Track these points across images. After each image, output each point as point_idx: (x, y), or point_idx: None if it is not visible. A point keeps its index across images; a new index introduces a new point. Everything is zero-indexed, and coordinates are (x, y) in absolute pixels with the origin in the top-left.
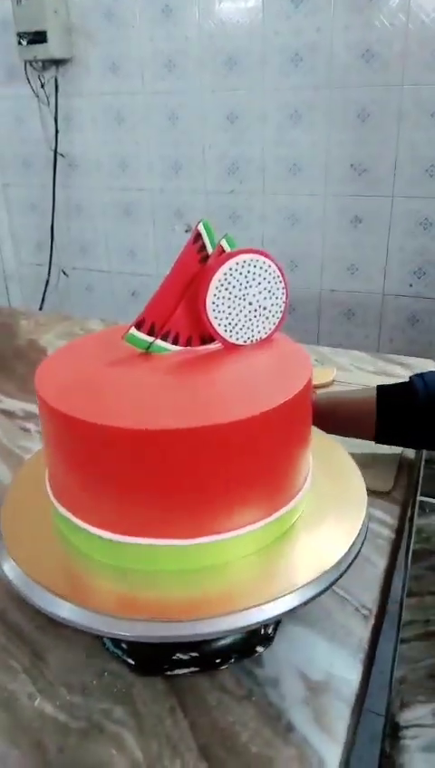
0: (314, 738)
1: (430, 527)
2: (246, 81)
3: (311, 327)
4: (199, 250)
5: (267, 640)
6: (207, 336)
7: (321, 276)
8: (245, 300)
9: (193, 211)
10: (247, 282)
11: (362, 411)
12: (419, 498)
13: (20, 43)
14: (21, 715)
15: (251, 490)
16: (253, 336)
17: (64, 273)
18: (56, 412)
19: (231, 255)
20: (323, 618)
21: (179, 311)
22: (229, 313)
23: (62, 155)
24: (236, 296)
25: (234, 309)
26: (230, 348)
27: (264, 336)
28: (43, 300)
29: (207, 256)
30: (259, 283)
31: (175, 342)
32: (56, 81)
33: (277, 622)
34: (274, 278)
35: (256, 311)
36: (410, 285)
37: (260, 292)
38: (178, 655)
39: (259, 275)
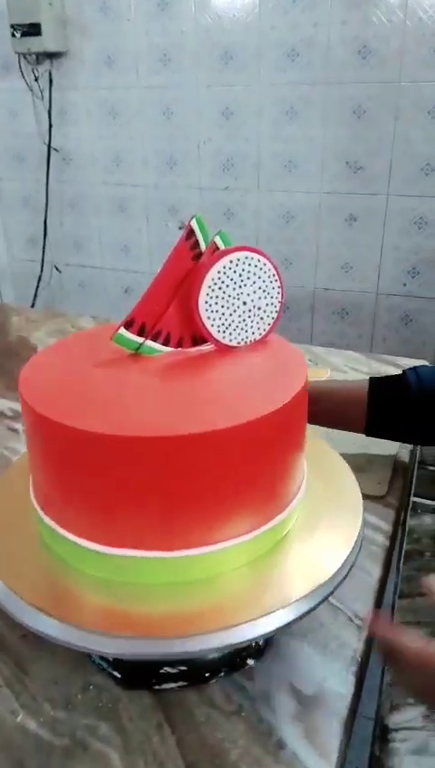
0: (305, 756)
1: (420, 528)
2: (241, 77)
3: (304, 326)
4: (192, 247)
5: (258, 653)
6: (200, 337)
7: (315, 275)
8: (239, 299)
9: (187, 207)
10: (242, 280)
11: (354, 402)
12: (411, 499)
13: (14, 35)
14: (2, 733)
15: (244, 499)
16: (247, 337)
17: (57, 270)
18: (41, 417)
19: (225, 253)
20: (316, 628)
21: (171, 310)
22: (223, 313)
23: (55, 149)
24: (229, 295)
25: (227, 309)
26: (223, 349)
27: (258, 337)
28: (35, 296)
29: (200, 254)
30: (254, 282)
31: (166, 343)
32: (50, 74)
33: None
34: (269, 277)
35: (250, 311)
36: (404, 285)
37: (255, 292)
38: (165, 668)
39: (254, 274)
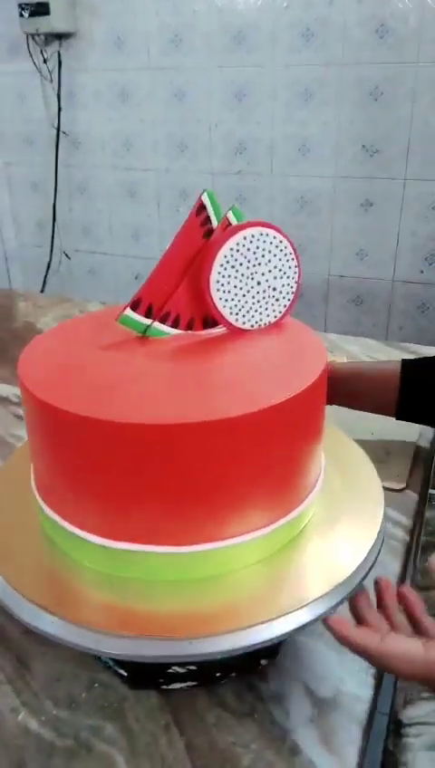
0: (321, 762)
1: None
2: (254, 58)
3: (318, 313)
4: (203, 223)
5: (271, 653)
6: (211, 319)
7: (329, 261)
8: (253, 279)
9: (199, 192)
10: (256, 259)
11: (384, 384)
12: (429, 491)
13: (21, 14)
14: (2, 731)
15: (258, 491)
16: (261, 320)
17: (66, 256)
18: (42, 403)
19: (238, 229)
20: None
21: (180, 290)
22: (235, 294)
23: (64, 133)
24: (243, 275)
25: (241, 289)
26: (236, 332)
27: (273, 320)
28: (44, 283)
29: (211, 230)
30: (269, 261)
31: (175, 325)
32: (59, 55)
33: None
34: (285, 255)
35: (264, 291)
36: (422, 272)
37: (270, 271)
38: (174, 668)
39: (270, 252)
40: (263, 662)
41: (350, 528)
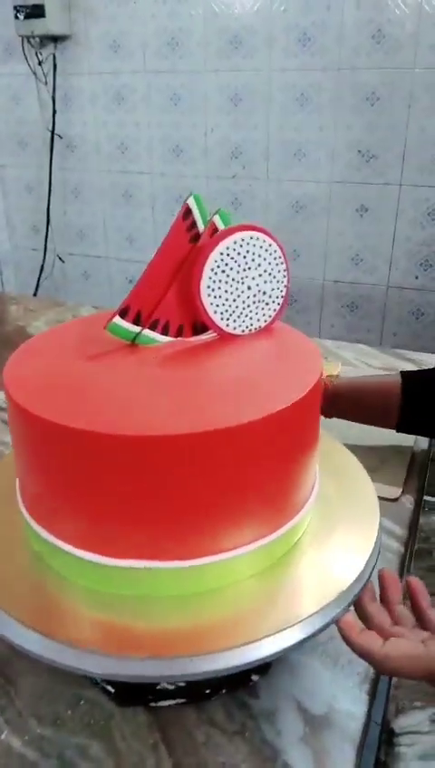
0: None
1: (428, 526)
2: (251, 62)
3: (312, 319)
4: (189, 228)
5: (263, 668)
6: (201, 325)
7: (324, 266)
8: (243, 283)
9: None
10: (246, 263)
11: (385, 397)
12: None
13: (17, 16)
14: None
15: (253, 504)
16: (251, 325)
17: (60, 259)
18: (28, 414)
19: (228, 233)
20: (325, 641)
21: (169, 296)
22: (226, 299)
23: (59, 136)
24: (233, 279)
25: (231, 294)
26: (226, 338)
27: (263, 325)
28: (37, 286)
29: (197, 235)
30: (259, 265)
31: (165, 332)
32: (54, 58)
33: None
34: (275, 259)
35: (254, 296)
36: (416, 278)
37: (260, 275)
38: (163, 684)
39: (259, 256)
40: (254, 678)
41: (345, 540)
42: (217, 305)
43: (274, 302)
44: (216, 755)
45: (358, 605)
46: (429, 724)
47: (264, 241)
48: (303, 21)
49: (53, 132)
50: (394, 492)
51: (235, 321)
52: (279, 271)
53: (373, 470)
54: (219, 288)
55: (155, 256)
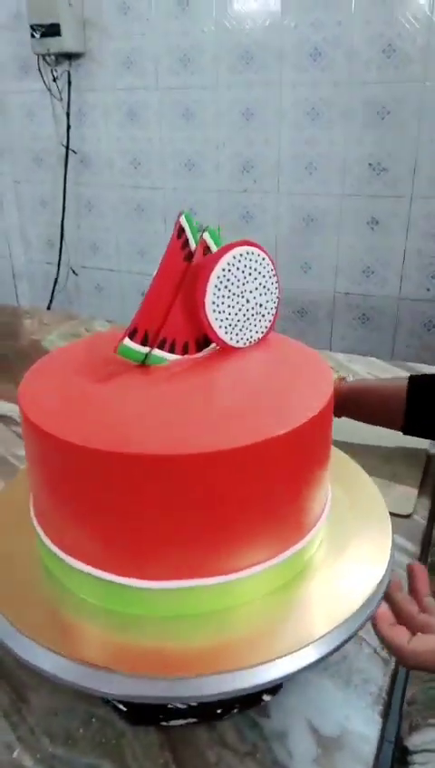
0: None
1: None
2: (262, 77)
3: (323, 331)
4: (183, 246)
5: (275, 687)
6: (203, 340)
7: (335, 279)
8: (242, 297)
9: (206, 210)
10: (244, 277)
11: (392, 398)
12: None
13: (33, 35)
14: None
15: (268, 522)
16: (251, 337)
17: (74, 272)
18: (44, 434)
19: (227, 249)
20: (338, 660)
21: (174, 315)
22: (229, 313)
23: (73, 151)
24: (234, 293)
25: (232, 308)
26: (229, 351)
27: (260, 336)
28: (51, 299)
29: (190, 253)
30: (255, 279)
31: (172, 350)
32: (69, 75)
33: None
34: (268, 272)
35: (253, 308)
36: (428, 290)
37: (256, 288)
38: (174, 703)
39: (255, 270)
40: (265, 698)
41: (357, 558)
42: (222, 320)
43: (269, 313)
44: None
45: (387, 596)
46: None
47: (258, 255)
48: (314, 36)
49: (67, 148)
50: (406, 507)
51: (237, 334)
52: (272, 283)
53: (385, 486)
54: (223, 303)
55: (156, 276)
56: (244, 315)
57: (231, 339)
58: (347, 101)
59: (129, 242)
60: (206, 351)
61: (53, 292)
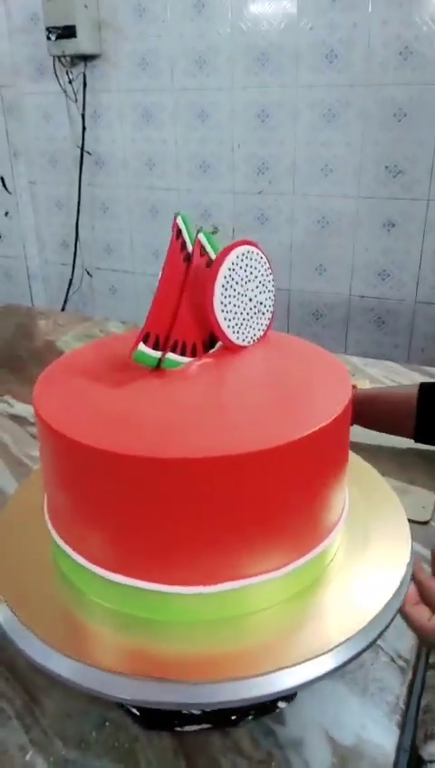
0: None
1: None
2: (278, 79)
3: (338, 334)
4: (182, 248)
5: (290, 695)
6: (209, 341)
7: (350, 281)
8: (245, 296)
9: (221, 212)
10: (247, 276)
11: (403, 406)
12: None
13: (49, 37)
14: None
15: (287, 526)
16: (254, 335)
17: (88, 274)
18: (59, 435)
19: (230, 249)
20: (354, 668)
21: (182, 317)
22: (235, 313)
23: (88, 152)
24: (239, 293)
25: (237, 306)
26: (234, 350)
27: (260, 334)
28: (65, 300)
29: (188, 255)
30: (256, 277)
31: (183, 353)
32: (84, 77)
33: None
34: (266, 270)
35: (254, 307)
36: None
37: (257, 287)
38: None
39: (256, 268)
40: (281, 705)
41: (375, 564)
42: (229, 320)
43: (268, 311)
44: None
45: (414, 576)
46: None
47: (257, 254)
48: (329, 38)
49: (82, 149)
50: (424, 514)
51: (242, 333)
52: (269, 281)
53: (402, 492)
54: (230, 303)
55: (161, 279)
56: (247, 314)
57: (238, 338)
58: (363, 103)
59: (143, 243)
60: (212, 352)
61: (67, 293)
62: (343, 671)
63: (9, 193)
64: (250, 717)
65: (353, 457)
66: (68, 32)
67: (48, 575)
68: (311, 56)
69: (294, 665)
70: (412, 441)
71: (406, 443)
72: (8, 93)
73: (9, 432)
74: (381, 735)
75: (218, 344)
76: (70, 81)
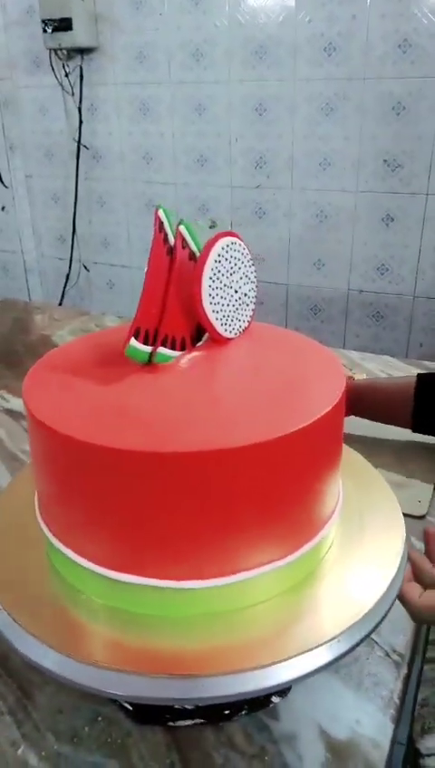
0: None
1: None
2: (276, 72)
3: (337, 329)
4: (165, 240)
5: (284, 689)
6: (196, 334)
7: (349, 276)
8: (231, 288)
9: (218, 206)
10: (232, 267)
11: (400, 396)
12: None
13: (45, 30)
14: (0, 766)
15: (277, 521)
16: (240, 327)
17: (85, 268)
18: (47, 429)
19: (214, 241)
20: (349, 662)
21: (170, 311)
22: (223, 305)
23: (85, 146)
24: (225, 284)
25: (223, 298)
26: (221, 343)
27: (245, 325)
28: (63, 295)
29: (171, 248)
30: (239, 269)
31: (174, 347)
32: (81, 70)
33: None
34: (248, 260)
35: (239, 298)
36: None
37: (241, 278)
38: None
39: (239, 260)
40: (274, 699)
41: (369, 558)
42: (217, 312)
43: (251, 302)
44: None
45: (410, 557)
46: None
47: (239, 245)
48: (328, 31)
49: (79, 143)
50: (420, 508)
51: (230, 325)
52: (252, 272)
53: (399, 486)
54: (217, 295)
55: (148, 273)
56: (233, 306)
57: (225, 330)
58: (362, 97)
59: (140, 237)
60: (200, 345)
61: (64, 288)
62: (337, 665)
63: (5, 187)
64: (243, 712)
65: (349, 452)
66: (64, 24)
67: (41, 571)
68: (309, 49)
69: (290, 658)
70: (413, 435)
71: (406, 436)
72: (4, 87)
73: (5, 427)
74: (376, 730)
75: (205, 337)
76: (66, 75)
